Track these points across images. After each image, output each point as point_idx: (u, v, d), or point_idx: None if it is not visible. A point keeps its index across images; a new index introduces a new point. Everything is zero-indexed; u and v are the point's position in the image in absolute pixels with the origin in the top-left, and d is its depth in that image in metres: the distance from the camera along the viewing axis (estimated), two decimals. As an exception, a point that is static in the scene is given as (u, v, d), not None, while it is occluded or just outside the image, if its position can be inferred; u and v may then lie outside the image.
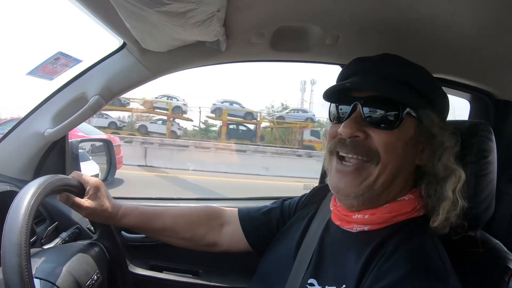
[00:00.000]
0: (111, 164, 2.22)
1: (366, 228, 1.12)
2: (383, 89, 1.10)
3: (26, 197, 1.08)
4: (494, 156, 1.21)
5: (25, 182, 1.70)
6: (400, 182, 1.12)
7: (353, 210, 1.14)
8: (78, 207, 1.37)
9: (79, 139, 2.03)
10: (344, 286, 1.04)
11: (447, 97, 1.20)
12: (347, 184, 1.10)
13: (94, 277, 1.35)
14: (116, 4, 1.14)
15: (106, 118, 24.82)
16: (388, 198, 1.12)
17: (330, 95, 1.18)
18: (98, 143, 2.27)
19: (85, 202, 1.37)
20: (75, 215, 1.78)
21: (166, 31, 1.38)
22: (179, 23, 1.27)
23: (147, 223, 1.53)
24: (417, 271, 0.94)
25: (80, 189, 1.39)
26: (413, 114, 1.08)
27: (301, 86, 45.76)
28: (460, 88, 1.90)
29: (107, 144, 2.28)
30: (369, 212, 1.12)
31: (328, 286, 1.07)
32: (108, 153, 2.24)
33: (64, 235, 1.60)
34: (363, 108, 1.09)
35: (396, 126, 1.06)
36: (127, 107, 25.56)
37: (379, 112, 1.08)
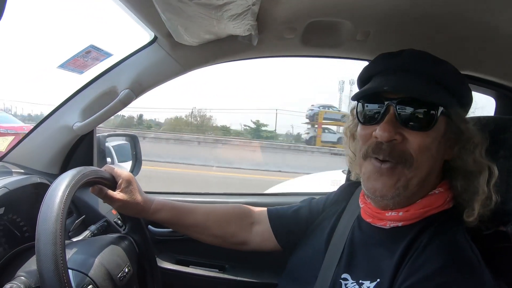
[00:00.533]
0: (137, 159, 2.25)
1: (400, 224, 1.13)
2: (419, 90, 1.10)
3: (61, 187, 1.09)
4: None
5: (52, 176, 1.74)
6: (432, 179, 1.13)
7: (387, 209, 1.15)
8: (110, 200, 1.40)
9: (106, 133, 2.06)
10: (378, 280, 1.05)
11: (471, 92, 1.22)
12: (384, 185, 1.10)
13: (125, 270, 1.36)
14: None
15: (334, 133, 26.08)
16: (421, 194, 1.13)
17: (361, 94, 1.18)
18: (124, 138, 2.30)
19: (117, 195, 1.39)
20: (102, 209, 1.80)
21: (201, 24, 1.39)
22: (216, 16, 1.28)
23: (179, 218, 1.55)
24: (451, 264, 0.96)
25: (112, 182, 1.41)
26: (445, 113, 1.09)
27: (340, 86, 47.65)
28: (486, 85, 1.90)
29: (133, 139, 2.31)
30: (403, 210, 1.13)
31: (362, 280, 1.09)
32: (134, 148, 2.27)
33: (93, 228, 1.62)
34: (397, 109, 1.08)
35: (431, 127, 1.07)
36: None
37: (415, 113, 1.08)
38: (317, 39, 1.64)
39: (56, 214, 1.02)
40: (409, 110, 1.07)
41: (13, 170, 1.73)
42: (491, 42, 1.49)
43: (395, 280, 1.01)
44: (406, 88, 1.10)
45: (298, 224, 1.50)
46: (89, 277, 1.20)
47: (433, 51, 1.45)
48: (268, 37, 1.62)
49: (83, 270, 1.20)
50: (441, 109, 1.08)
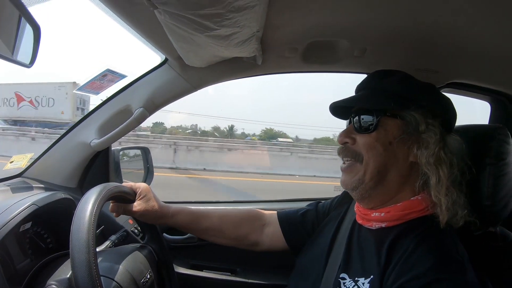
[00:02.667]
0: (149, 171, 2.34)
1: (383, 225, 1.26)
2: (360, 101, 1.35)
3: (90, 201, 1.19)
4: (511, 158, 1.31)
5: (72, 190, 1.87)
6: (395, 177, 1.27)
7: (366, 206, 1.32)
8: (130, 212, 1.53)
9: (119, 147, 2.17)
10: (372, 277, 1.16)
11: (437, 96, 1.33)
12: (344, 180, 1.34)
13: (147, 276, 1.46)
14: (168, 29, 1.26)
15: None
16: (392, 194, 1.28)
17: (337, 111, 1.45)
18: (136, 151, 2.40)
19: (137, 205, 1.53)
20: (120, 219, 1.89)
21: (210, 50, 1.51)
22: (224, 44, 1.41)
23: (196, 222, 1.68)
24: (438, 265, 1.05)
25: (132, 194, 1.54)
26: (389, 115, 1.26)
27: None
28: (480, 91, 2.01)
29: (145, 151, 2.40)
30: (385, 210, 1.27)
31: (357, 278, 1.20)
32: (146, 160, 2.35)
33: (113, 237, 1.69)
34: (353, 119, 1.32)
35: (373, 130, 1.26)
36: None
37: (361, 120, 1.29)
38: (317, 56, 1.74)
39: (88, 226, 1.11)
40: (358, 118, 1.30)
41: (33, 185, 1.83)
42: (478, 52, 1.58)
43: (384, 279, 1.12)
44: (354, 102, 1.36)
45: (306, 226, 1.64)
46: (116, 281, 1.30)
47: (428, 63, 1.58)
48: (271, 56, 1.73)
49: (110, 275, 1.30)
50: (381, 114, 1.26)
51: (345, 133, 1.34)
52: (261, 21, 1.31)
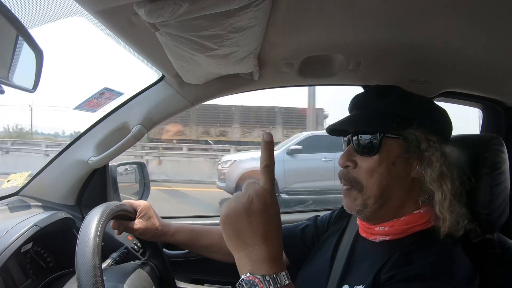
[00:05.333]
0: (145, 186, 2.36)
1: (387, 238, 1.28)
2: (362, 124, 1.32)
3: (94, 222, 1.23)
4: (506, 166, 1.35)
5: (69, 207, 1.89)
6: (398, 195, 1.28)
7: (371, 224, 1.33)
8: (131, 230, 1.57)
9: (116, 163, 2.19)
10: (368, 282, 1.18)
11: (435, 111, 1.35)
12: (346, 203, 1.33)
13: None
14: (168, 49, 1.30)
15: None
16: (396, 210, 1.28)
17: (334, 131, 1.43)
18: (133, 166, 2.40)
19: (138, 223, 1.57)
20: (118, 236, 1.88)
21: (208, 68, 1.55)
22: (223, 63, 1.46)
23: (197, 239, 1.72)
24: (434, 264, 1.09)
25: (133, 212, 1.58)
26: (390, 136, 1.26)
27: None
28: (472, 99, 2.08)
29: (141, 166, 2.42)
30: (389, 225, 1.28)
31: (356, 286, 1.22)
32: (142, 175, 2.37)
33: (114, 255, 1.71)
34: (353, 139, 1.31)
35: (376, 152, 1.26)
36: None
37: (361, 142, 1.29)
38: (313, 71, 1.78)
39: (93, 249, 1.14)
40: (357, 140, 1.30)
41: (31, 203, 1.86)
42: (470, 62, 1.63)
43: (381, 277, 1.14)
44: (351, 123, 1.36)
45: (306, 241, 1.67)
46: None
47: (420, 74, 1.64)
48: (268, 72, 1.76)
49: None
50: (381, 135, 1.26)
51: (346, 156, 1.32)
52: (259, 39, 1.35)
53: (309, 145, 11.43)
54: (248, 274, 0.89)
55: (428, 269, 1.08)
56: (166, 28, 1.11)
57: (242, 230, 0.92)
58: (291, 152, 11.41)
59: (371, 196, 1.26)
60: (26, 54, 1.12)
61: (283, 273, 0.91)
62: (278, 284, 0.88)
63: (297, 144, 11.67)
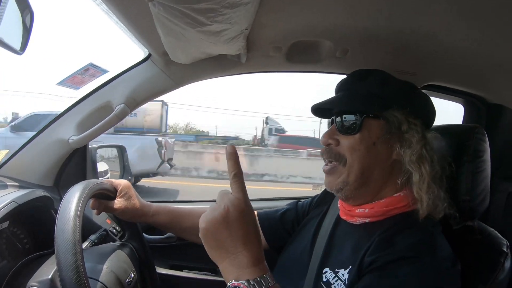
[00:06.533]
0: (125, 169, 2.34)
1: (367, 220, 1.31)
2: (341, 103, 1.38)
3: (74, 200, 1.21)
4: (488, 155, 1.40)
5: (47, 188, 1.86)
6: (378, 176, 1.32)
7: (351, 204, 1.37)
8: (111, 209, 1.55)
9: (96, 145, 2.16)
10: (350, 267, 1.21)
11: (417, 95, 1.40)
12: (328, 181, 1.38)
13: (131, 275, 1.49)
14: (159, 23, 1.29)
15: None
16: (376, 191, 1.33)
17: (318, 111, 1.49)
18: (112, 149, 2.39)
19: (118, 202, 1.55)
20: (97, 218, 1.90)
21: (198, 46, 1.55)
22: (214, 41, 1.46)
23: (177, 221, 1.71)
24: (414, 245, 1.12)
25: (113, 191, 1.56)
26: (372, 116, 1.30)
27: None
28: (454, 94, 2.13)
29: (121, 150, 2.39)
30: (369, 206, 1.32)
31: (337, 269, 1.24)
32: (121, 158, 2.35)
33: (93, 237, 1.69)
34: (336, 120, 1.36)
35: (357, 131, 1.31)
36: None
37: (345, 122, 1.34)
38: (300, 56, 1.80)
39: (73, 226, 1.12)
40: (340, 118, 1.34)
41: (8, 183, 1.82)
42: (453, 55, 1.68)
43: (363, 263, 1.17)
44: (335, 103, 1.40)
45: (286, 225, 1.69)
46: (101, 282, 1.31)
47: (404, 65, 1.67)
48: (255, 55, 1.78)
49: (94, 276, 1.31)
50: (364, 115, 1.31)
51: (328, 134, 1.38)
52: (250, 18, 1.36)
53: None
54: (233, 281, 0.93)
55: (410, 250, 1.11)
56: (160, -2, 1.10)
57: (223, 240, 0.97)
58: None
59: (352, 173, 1.30)
60: (15, 12, 1.08)
61: (268, 274, 0.96)
62: (263, 286, 0.92)
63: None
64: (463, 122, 2.29)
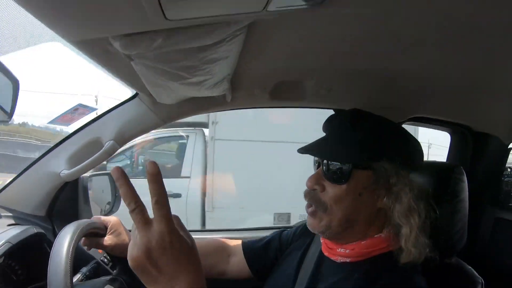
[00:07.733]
0: (116, 198, 2.37)
1: (348, 260, 1.34)
2: (332, 154, 1.34)
3: (65, 242, 1.27)
4: (465, 195, 1.45)
5: (39, 218, 1.91)
6: (362, 222, 1.32)
7: (334, 243, 1.38)
8: (101, 246, 1.62)
9: (87, 175, 2.20)
10: None
11: (408, 144, 1.36)
12: (310, 223, 1.36)
13: None
14: (142, 76, 1.35)
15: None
16: (359, 235, 1.33)
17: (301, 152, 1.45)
18: (104, 177, 2.39)
19: (108, 239, 1.61)
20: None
21: (183, 92, 1.61)
22: (196, 89, 1.51)
23: None
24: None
25: (103, 229, 1.61)
26: (361, 168, 1.28)
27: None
28: (441, 124, 2.20)
29: (112, 177, 2.38)
30: (350, 247, 1.33)
31: None
32: (113, 186, 2.36)
33: (84, 269, 1.69)
34: (323, 163, 1.33)
35: (345, 181, 1.28)
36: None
37: (331, 168, 1.32)
38: (284, 94, 1.84)
39: (65, 268, 1.19)
40: (327, 165, 1.33)
41: (2, 214, 1.87)
42: (438, 89, 1.73)
43: None
44: (328, 155, 1.36)
45: (269, 254, 1.72)
46: None
47: (390, 100, 1.72)
48: (240, 94, 1.82)
49: None
50: (351, 166, 1.28)
51: (315, 179, 1.34)
52: (232, 67, 1.41)
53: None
54: None
55: None
56: (141, 59, 1.16)
57: (153, 277, 0.86)
58: None
59: (335, 219, 1.30)
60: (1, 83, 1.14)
61: None
62: None
63: None
64: (449, 151, 2.36)
